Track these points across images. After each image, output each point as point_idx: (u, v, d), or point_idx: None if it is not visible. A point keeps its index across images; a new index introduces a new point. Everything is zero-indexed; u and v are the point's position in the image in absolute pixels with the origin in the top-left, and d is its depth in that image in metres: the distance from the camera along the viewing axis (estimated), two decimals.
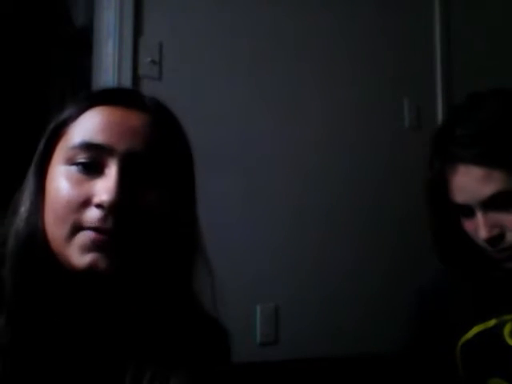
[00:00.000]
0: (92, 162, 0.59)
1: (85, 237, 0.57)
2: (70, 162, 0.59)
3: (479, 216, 0.83)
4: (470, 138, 0.83)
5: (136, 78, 1.53)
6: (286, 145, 1.80)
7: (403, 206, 1.99)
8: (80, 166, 0.59)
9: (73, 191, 0.58)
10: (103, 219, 0.57)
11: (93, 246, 0.57)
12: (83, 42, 1.84)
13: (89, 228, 0.57)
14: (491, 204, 0.82)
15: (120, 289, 0.61)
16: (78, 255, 0.57)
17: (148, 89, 1.55)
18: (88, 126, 0.60)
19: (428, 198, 0.91)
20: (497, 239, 0.82)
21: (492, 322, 0.87)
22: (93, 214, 0.57)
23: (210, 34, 1.68)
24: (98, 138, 0.59)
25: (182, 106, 1.61)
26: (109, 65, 1.52)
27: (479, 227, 0.83)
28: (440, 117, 2.25)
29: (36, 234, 0.59)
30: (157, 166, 0.62)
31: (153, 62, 1.56)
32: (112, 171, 0.58)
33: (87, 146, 0.59)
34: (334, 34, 1.96)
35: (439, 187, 0.87)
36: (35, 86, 2.27)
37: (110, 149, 0.59)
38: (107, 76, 1.51)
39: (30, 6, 2.25)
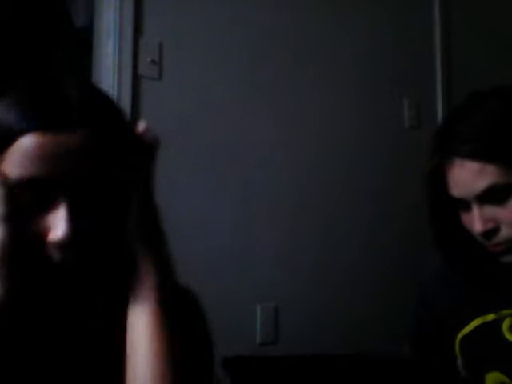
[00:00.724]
0: (35, 199, 0.55)
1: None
2: None
3: (474, 209, 0.84)
4: (469, 135, 0.84)
5: (136, 77, 1.53)
6: (286, 145, 1.80)
7: (403, 206, 1.99)
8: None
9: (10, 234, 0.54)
10: (63, 258, 0.54)
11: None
12: (83, 42, 1.84)
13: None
14: (486, 198, 0.82)
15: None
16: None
17: (148, 89, 1.55)
18: (23, 159, 0.53)
19: (427, 192, 0.92)
20: (491, 233, 0.83)
21: (491, 317, 0.88)
22: (54, 253, 0.54)
23: (209, 34, 1.68)
24: (37, 171, 0.53)
25: (182, 106, 1.62)
26: (109, 65, 1.52)
27: (474, 221, 0.84)
28: (440, 116, 2.25)
29: None
30: (99, 182, 0.56)
31: (153, 61, 1.56)
32: (61, 206, 0.54)
33: (28, 183, 0.54)
34: (333, 34, 1.96)
35: (437, 182, 0.88)
36: None
37: (50, 182, 0.54)
38: (107, 76, 1.52)
39: (29, 6, 2.25)
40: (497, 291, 0.89)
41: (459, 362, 0.91)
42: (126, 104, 1.49)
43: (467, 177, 0.83)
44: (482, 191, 0.82)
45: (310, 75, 1.88)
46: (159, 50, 1.58)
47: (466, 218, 0.87)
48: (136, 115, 1.51)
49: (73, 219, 0.54)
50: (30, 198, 0.54)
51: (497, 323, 0.87)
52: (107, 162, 0.56)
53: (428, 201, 0.93)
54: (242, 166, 1.70)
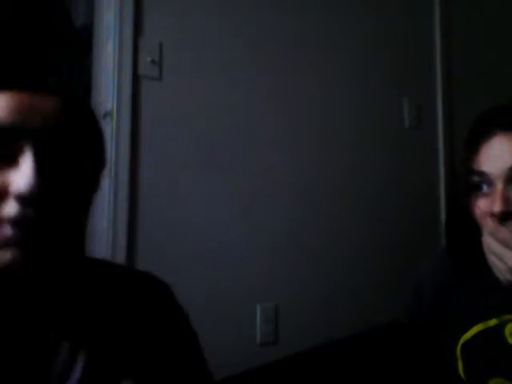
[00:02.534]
0: (1, 148, 0.55)
1: (2, 233, 0.53)
2: None
3: (498, 187, 0.82)
4: None
5: (136, 77, 1.53)
6: (286, 144, 1.80)
7: (403, 206, 1.99)
8: None
9: None
10: (23, 212, 0.53)
11: (12, 243, 0.53)
12: (83, 42, 1.84)
13: (7, 222, 0.53)
14: None
15: (35, 278, 0.58)
16: None
17: (148, 89, 1.55)
18: None
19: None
20: (509, 216, 0.81)
21: (493, 322, 0.87)
22: (11, 208, 0.53)
23: (209, 34, 1.68)
24: (7, 119, 0.55)
25: (182, 106, 1.62)
26: (109, 65, 1.52)
27: (495, 200, 0.82)
28: (440, 117, 2.25)
29: None
30: (67, 146, 0.58)
31: (153, 61, 1.56)
32: (27, 157, 0.54)
33: None
34: (333, 34, 1.96)
35: (466, 162, 0.88)
36: None
37: (22, 131, 0.55)
38: (107, 76, 1.51)
39: (29, 6, 2.25)
40: (498, 296, 0.88)
41: (460, 366, 0.91)
42: (126, 104, 1.49)
43: (507, 148, 0.83)
44: None
45: (310, 75, 1.88)
46: (159, 49, 1.58)
47: (482, 202, 0.86)
48: (136, 115, 1.51)
49: (37, 174, 0.54)
50: None
51: (499, 328, 0.86)
52: (72, 129, 0.59)
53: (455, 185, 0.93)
54: (242, 166, 1.70)
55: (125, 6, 1.53)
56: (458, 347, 0.90)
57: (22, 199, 0.53)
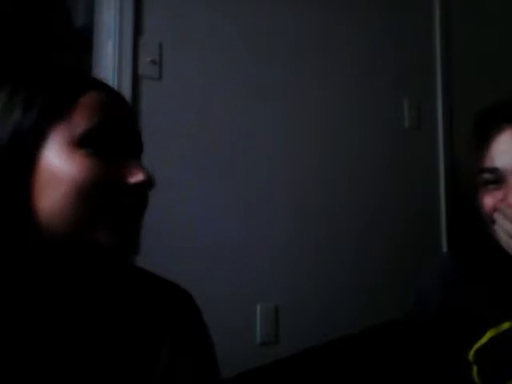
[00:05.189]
0: (109, 145, 0.61)
1: (120, 218, 0.59)
2: (81, 145, 0.59)
3: (511, 182, 0.83)
4: None
5: (136, 77, 1.53)
6: (287, 144, 1.80)
7: (403, 206, 1.99)
8: (95, 150, 0.59)
9: (98, 173, 0.58)
10: (141, 199, 0.61)
11: (127, 229, 0.60)
12: (83, 42, 1.84)
13: (123, 209, 0.60)
14: None
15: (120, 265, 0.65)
16: (110, 236, 0.58)
17: (148, 89, 1.55)
18: (93, 112, 0.61)
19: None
20: None
21: (505, 326, 0.86)
22: (130, 196, 0.60)
23: (210, 34, 1.68)
24: (109, 121, 0.61)
25: (182, 106, 1.62)
26: (109, 65, 1.52)
27: (510, 194, 0.82)
28: (440, 117, 2.26)
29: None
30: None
31: (153, 61, 1.56)
32: (136, 152, 0.63)
33: (100, 130, 0.60)
34: (334, 34, 1.96)
35: (476, 159, 0.88)
36: None
37: (127, 131, 0.63)
38: (107, 76, 1.51)
39: (29, 5, 2.24)
40: (508, 299, 0.87)
41: (474, 370, 0.89)
42: None
43: None
44: None
45: (310, 75, 1.88)
46: (159, 50, 1.58)
47: (491, 197, 0.86)
48: (136, 115, 1.51)
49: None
50: (100, 142, 0.60)
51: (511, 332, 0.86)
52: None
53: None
54: (242, 166, 1.70)
55: (125, 6, 1.53)
56: (471, 353, 0.89)
57: (142, 188, 0.60)
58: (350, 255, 1.88)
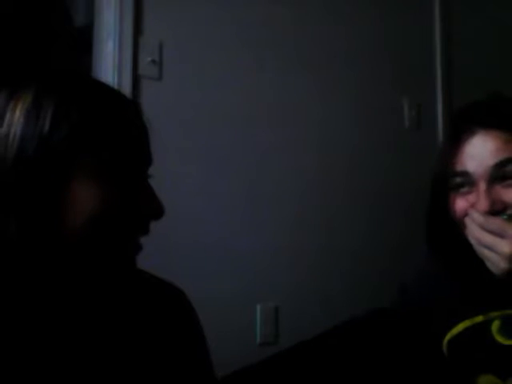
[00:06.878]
0: (129, 170, 0.62)
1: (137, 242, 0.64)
2: (104, 171, 0.59)
3: (482, 187, 0.82)
4: (494, 108, 0.86)
5: (136, 77, 1.53)
6: (286, 145, 1.80)
7: (403, 206, 1.99)
8: (115, 178, 0.60)
9: (116, 204, 0.59)
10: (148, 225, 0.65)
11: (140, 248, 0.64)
12: (83, 42, 1.84)
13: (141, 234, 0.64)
14: (498, 174, 0.81)
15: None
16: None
17: (148, 89, 1.55)
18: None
19: (435, 177, 0.92)
20: (497, 214, 0.81)
21: (479, 319, 0.87)
22: (142, 227, 0.63)
23: (210, 34, 1.68)
24: (132, 143, 0.62)
25: (182, 106, 1.62)
26: (109, 65, 1.52)
27: (480, 199, 0.81)
28: (440, 117, 2.25)
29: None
30: None
31: (153, 61, 1.56)
32: (147, 167, 0.66)
33: (124, 156, 0.60)
34: (333, 34, 1.96)
35: (448, 162, 0.87)
36: None
37: (144, 148, 0.64)
38: (107, 76, 1.51)
39: (29, 5, 2.24)
40: (484, 293, 0.88)
41: (447, 363, 0.90)
42: None
43: (489, 147, 0.82)
44: (501, 162, 0.81)
45: (310, 75, 1.88)
46: (159, 50, 1.58)
47: (463, 201, 0.85)
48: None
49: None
50: None
51: (486, 325, 0.86)
52: None
53: (433, 187, 0.92)
54: (242, 166, 1.70)
55: (125, 6, 1.53)
56: (445, 343, 0.90)
57: (157, 219, 0.63)
58: (349, 255, 1.88)
